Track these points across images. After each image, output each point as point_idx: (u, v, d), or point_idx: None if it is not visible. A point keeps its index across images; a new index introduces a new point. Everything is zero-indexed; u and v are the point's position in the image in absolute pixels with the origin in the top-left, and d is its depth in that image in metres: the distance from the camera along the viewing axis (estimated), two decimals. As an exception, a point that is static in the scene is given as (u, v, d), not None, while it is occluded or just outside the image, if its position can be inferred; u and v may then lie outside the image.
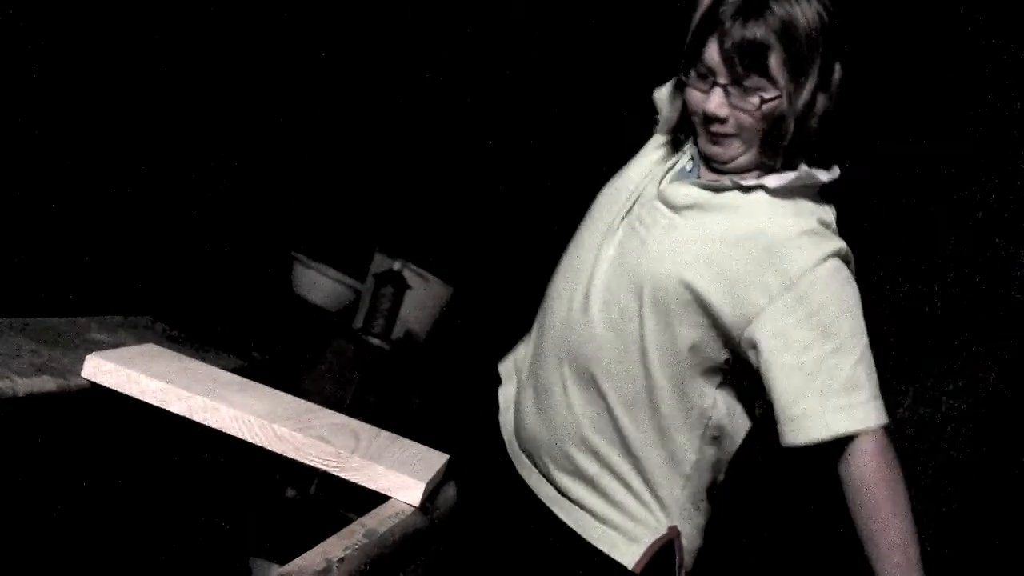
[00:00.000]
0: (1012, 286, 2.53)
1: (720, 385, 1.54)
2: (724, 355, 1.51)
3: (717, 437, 1.57)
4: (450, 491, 1.34)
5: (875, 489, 1.42)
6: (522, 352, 1.76)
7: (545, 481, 1.62)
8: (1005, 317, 2.54)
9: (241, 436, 1.18)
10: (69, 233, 2.60)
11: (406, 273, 3.08)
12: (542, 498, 1.63)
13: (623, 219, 1.58)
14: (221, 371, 1.35)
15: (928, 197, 2.69)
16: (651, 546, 1.55)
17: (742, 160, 1.51)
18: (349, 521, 1.07)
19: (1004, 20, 2.58)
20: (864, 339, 1.47)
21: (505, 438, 1.71)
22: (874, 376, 1.46)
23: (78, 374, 1.19)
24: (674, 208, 1.53)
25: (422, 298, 3.14)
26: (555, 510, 1.61)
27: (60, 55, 2.52)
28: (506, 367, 1.80)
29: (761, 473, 1.95)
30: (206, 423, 1.18)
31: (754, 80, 1.44)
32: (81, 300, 1.80)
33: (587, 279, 1.57)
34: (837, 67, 1.48)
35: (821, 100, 1.47)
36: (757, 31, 1.42)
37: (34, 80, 2.48)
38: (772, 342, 1.45)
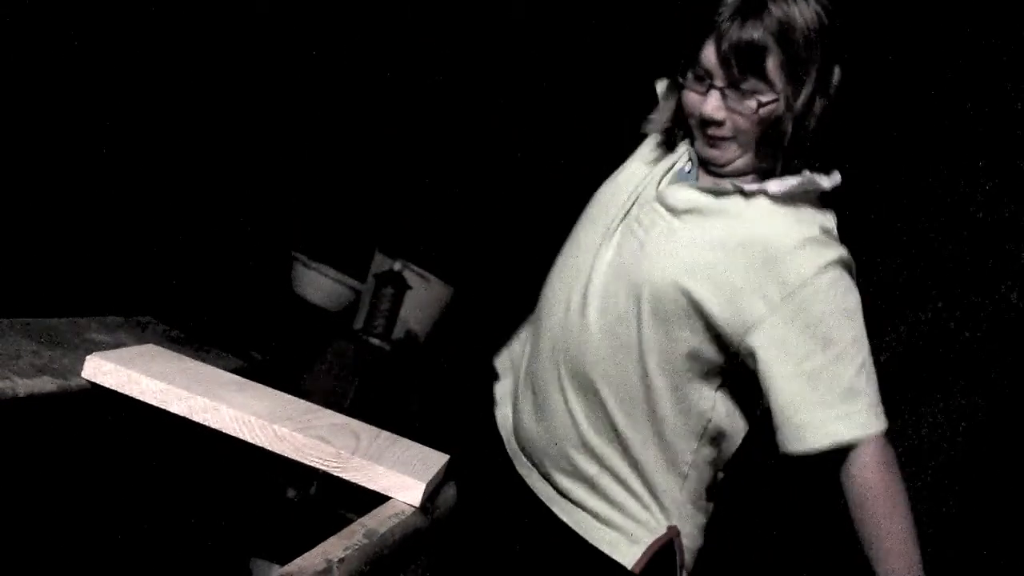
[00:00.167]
0: (1012, 286, 2.53)
1: (719, 387, 1.54)
2: (723, 359, 1.50)
3: (716, 438, 1.57)
4: (450, 491, 1.34)
5: (876, 495, 1.42)
6: (517, 348, 1.75)
7: (545, 481, 1.62)
8: (1005, 317, 2.53)
9: (241, 436, 1.18)
10: (69, 233, 2.60)
11: (406, 273, 3.08)
12: (542, 498, 1.63)
13: (621, 221, 1.56)
14: (221, 371, 1.35)
15: (928, 197, 2.68)
16: (651, 546, 1.55)
17: (739, 163, 1.51)
18: (349, 521, 1.07)
19: (1004, 20, 2.58)
20: (865, 345, 1.46)
21: (504, 436, 1.71)
22: (875, 382, 1.46)
23: (78, 374, 1.19)
24: (673, 211, 1.52)
25: (422, 298, 3.14)
26: (555, 510, 1.61)
27: (60, 55, 2.52)
28: (502, 362, 1.79)
29: (761, 473, 1.94)
30: (206, 423, 1.18)
31: (751, 83, 1.43)
32: (81, 300, 1.80)
33: (584, 281, 1.56)
34: (836, 70, 1.47)
35: (819, 103, 1.45)
36: (754, 33, 1.41)
37: (34, 80, 2.48)
38: (772, 351, 1.44)
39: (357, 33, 3.30)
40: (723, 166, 1.52)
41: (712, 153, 1.51)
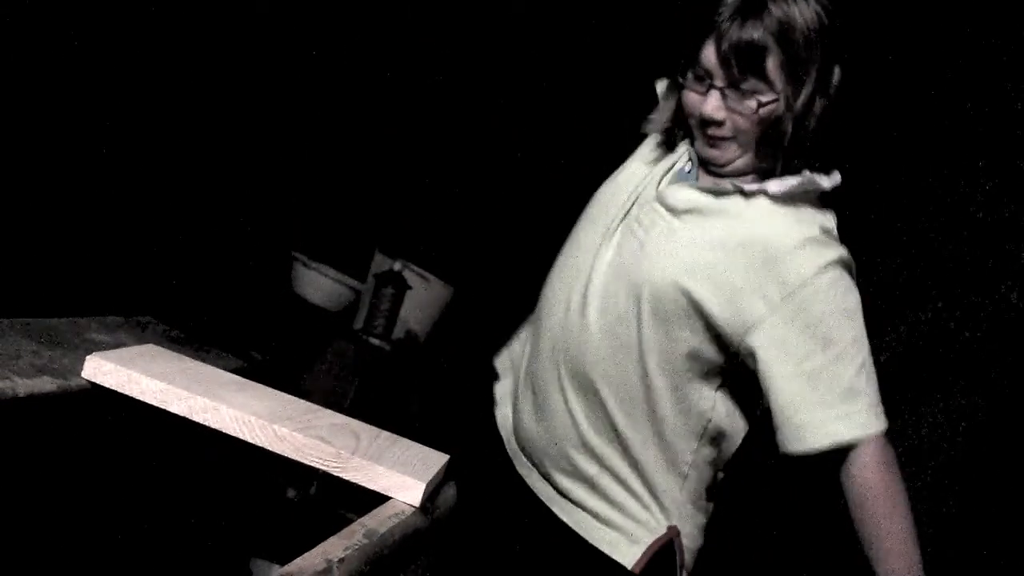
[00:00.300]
0: (1012, 286, 2.53)
1: (719, 387, 1.54)
2: (723, 359, 1.50)
3: (716, 438, 1.57)
4: (450, 491, 1.34)
5: (875, 494, 1.43)
6: (517, 347, 1.75)
7: (545, 481, 1.62)
8: (1005, 317, 2.53)
9: (241, 436, 1.18)
10: (70, 233, 2.60)
11: (406, 273, 3.08)
12: (542, 498, 1.63)
13: (621, 221, 1.56)
14: (221, 371, 1.35)
15: (928, 197, 2.68)
16: (651, 546, 1.55)
17: (739, 163, 1.50)
18: (349, 521, 1.07)
19: (1004, 20, 2.58)
20: (865, 345, 1.46)
21: (504, 436, 1.71)
22: (874, 381, 1.46)
23: (78, 375, 1.19)
24: (673, 211, 1.52)
25: (422, 298, 3.14)
26: (555, 510, 1.61)
27: (60, 55, 2.52)
28: (501, 362, 1.78)
29: (761, 472, 1.94)
30: (206, 423, 1.18)
31: (751, 83, 1.43)
32: (81, 300, 1.80)
33: (584, 281, 1.55)
34: (836, 69, 1.46)
35: (819, 103, 1.45)
36: (754, 33, 1.40)
37: (34, 80, 2.48)
38: (772, 351, 1.44)
39: (357, 33, 3.30)
40: (723, 166, 1.52)
41: (712, 153, 1.51)
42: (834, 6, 1.44)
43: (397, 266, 3.06)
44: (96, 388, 1.19)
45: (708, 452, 1.57)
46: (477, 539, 1.68)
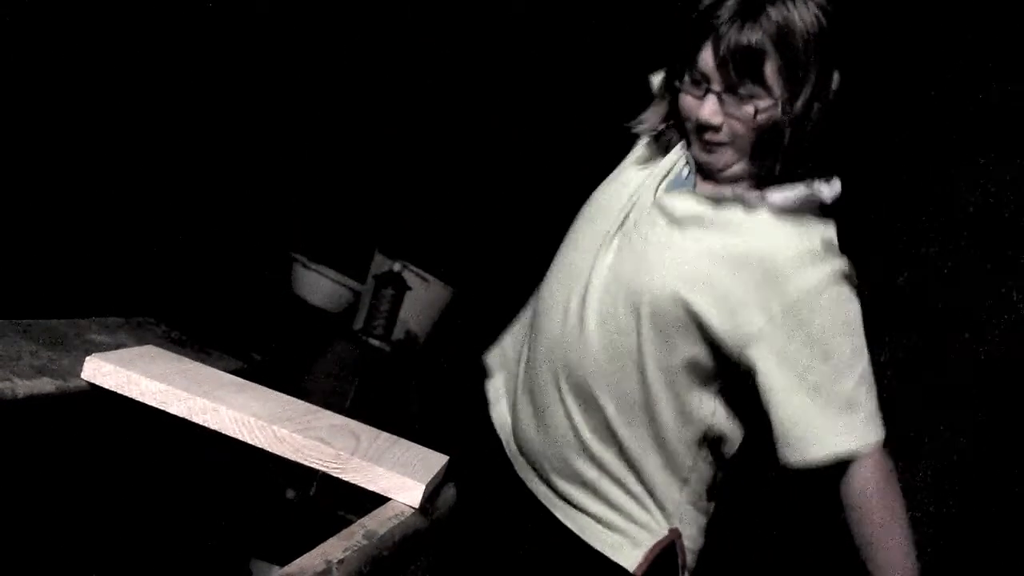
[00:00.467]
0: (1012, 286, 2.53)
1: (719, 394, 1.53)
2: (722, 368, 1.49)
3: (717, 442, 1.56)
4: (450, 492, 1.34)
5: (873, 506, 1.43)
6: (509, 344, 1.73)
7: (545, 485, 1.62)
8: (1005, 317, 2.54)
9: (241, 438, 1.18)
10: (70, 234, 2.60)
11: (406, 274, 3.08)
12: (542, 501, 1.62)
13: (619, 227, 1.54)
14: (221, 373, 1.35)
15: (928, 197, 2.69)
16: (652, 549, 1.55)
17: (736, 168, 1.49)
18: (349, 522, 1.07)
19: (1005, 20, 2.58)
20: (864, 355, 1.46)
21: (503, 439, 1.70)
22: (874, 392, 1.46)
23: (78, 376, 1.19)
24: (673, 220, 1.50)
25: (422, 299, 3.14)
26: (556, 513, 1.60)
27: (60, 56, 2.52)
28: (493, 358, 1.77)
29: (761, 472, 1.95)
30: (206, 425, 1.18)
31: (749, 88, 1.41)
32: (81, 301, 1.80)
33: (582, 290, 1.54)
34: (835, 74, 1.44)
35: (818, 108, 1.42)
36: (753, 37, 1.38)
37: (35, 81, 2.48)
38: (772, 364, 1.44)
39: (357, 34, 3.31)
40: (719, 171, 1.50)
41: (708, 158, 1.49)
42: (833, 8, 1.42)
43: (397, 267, 3.07)
44: (96, 389, 1.19)
45: (708, 456, 1.57)
46: (477, 541, 1.68)
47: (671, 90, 1.52)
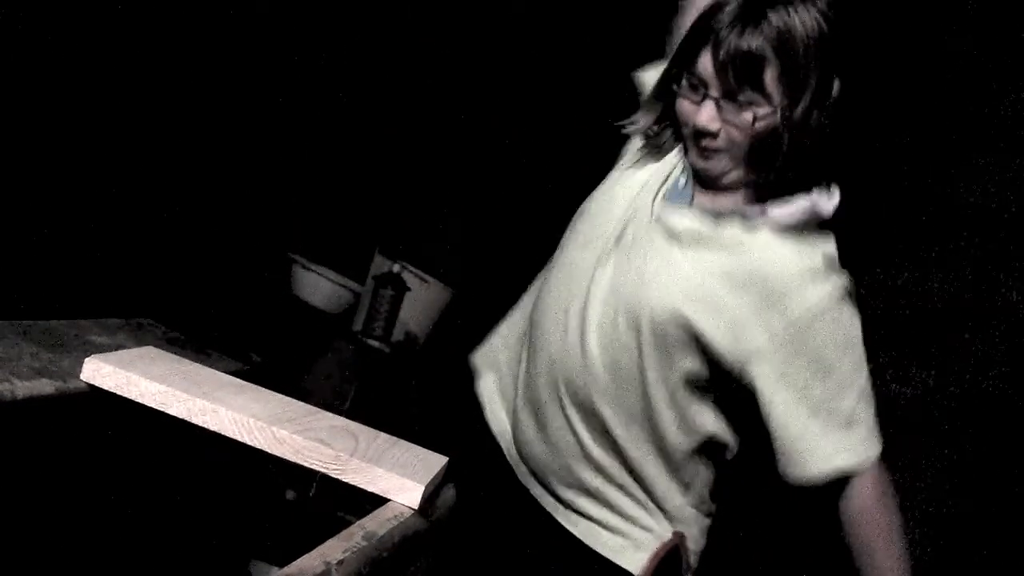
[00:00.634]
0: (1012, 286, 2.53)
1: (719, 404, 1.53)
2: (723, 381, 1.49)
3: (718, 449, 1.56)
4: (450, 493, 1.34)
5: (871, 520, 1.43)
6: (499, 345, 1.72)
7: (548, 492, 1.61)
8: (1005, 317, 2.54)
9: (240, 439, 1.17)
10: (69, 235, 2.60)
11: (405, 275, 3.08)
12: (545, 506, 1.62)
13: (617, 242, 1.52)
14: (220, 374, 1.35)
15: (928, 197, 2.69)
16: (656, 552, 1.54)
17: (733, 176, 1.47)
18: (348, 524, 1.07)
19: (1005, 21, 2.58)
20: (864, 371, 1.45)
21: (503, 445, 1.68)
22: (872, 407, 1.45)
23: (77, 377, 1.19)
24: (672, 236, 1.48)
25: (422, 300, 3.14)
26: (559, 518, 1.60)
27: (60, 56, 2.52)
28: (481, 359, 1.75)
29: (762, 472, 1.95)
30: (206, 426, 1.18)
31: (748, 94, 1.38)
32: (81, 302, 1.80)
33: (581, 304, 1.52)
34: (836, 82, 1.42)
35: (817, 116, 1.40)
36: (753, 42, 1.36)
37: (34, 82, 2.48)
38: (773, 381, 1.43)
39: (356, 34, 3.31)
40: (716, 178, 1.48)
41: (704, 164, 1.47)
42: (834, 14, 1.40)
43: (396, 268, 3.07)
44: (95, 390, 1.19)
45: (710, 461, 1.57)
46: (479, 544, 1.68)
47: (668, 93, 1.50)
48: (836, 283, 1.44)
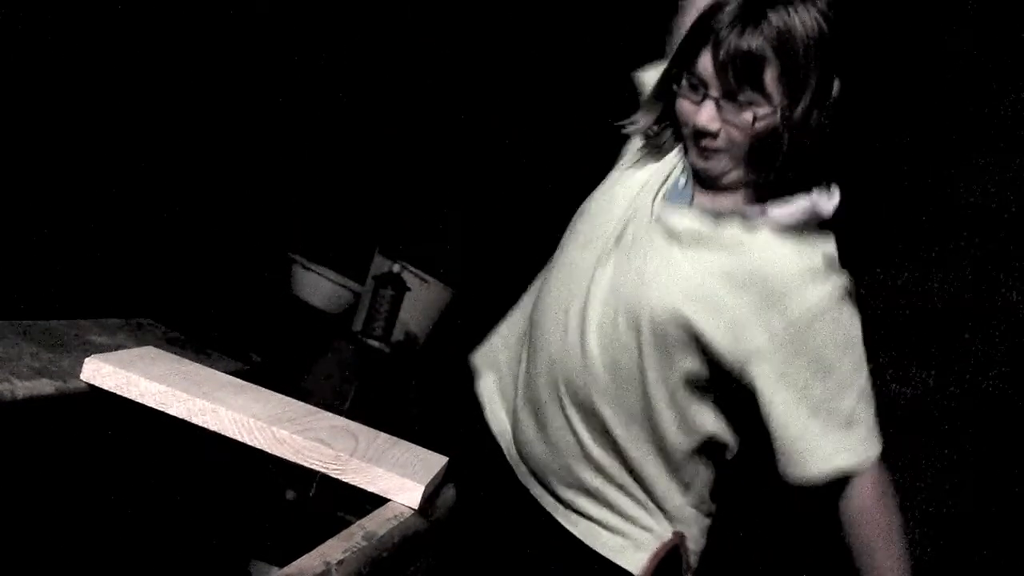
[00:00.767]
0: (1012, 286, 2.53)
1: (719, 403, 1.53)
2: (722, 381, 1.49)
3: (718, 449, 1.56)
4: (450, 493, 1.34)
5: (870, 520, 1.44)
6: (499, 345, 1.72)
7: (548, 492, 1.61)
8: (1005, 317, 2.54)
9: (241, 439, 1.17)
10: (69, 236, 2.60)
11: (405, 275, 3.08)
12: (545, 506, 1.62)
13: (617, 242, 1.52)
14: (220, 374, 1.35)
15: (928, 197, 2.69)
16: (656, 552, 1.54)
17: (733, 176, 1.47)
18: (348, 524, 1.07)
19: (1005, 21, 2.58)
20: (864, 370, 1.45)
21: (503, 445, 1.69)
22: (872, 407, 1.46)
23: (77, 377, 1.19)
24: (672, 236, 1.48)
25: (422, 300, 3.14)
26: (559, 518, 1.60)
27: (60, 56, 2.52)
28: (481, 359, 1.75)
29: (762, 472, 1.95)
30: (206, 426, 1.18)
31: (748, 94, 1.38)
32: (81, 302, 1.80)
33: (581, 304, 1.52)
34: (836, 82, 1.42)
35: (817, 116, 1.40)
36: (753, 42, 1.36)
37: (34, 82, 2.48)
38: (773, 381, 1.43)
39: (356, 34, 3.31)
40: (716, 178, 1.48)
41: (704, 164, 1.47)
42: (835, 14, 1.39)
43: (396, 268, 3.07)
44: (95, 390, 1.19)
45: (710, 461, 1.57)
46: (479, 544, 1.68)
47: (668, 93, 1.50)
48: (836, 283, 1.44)
